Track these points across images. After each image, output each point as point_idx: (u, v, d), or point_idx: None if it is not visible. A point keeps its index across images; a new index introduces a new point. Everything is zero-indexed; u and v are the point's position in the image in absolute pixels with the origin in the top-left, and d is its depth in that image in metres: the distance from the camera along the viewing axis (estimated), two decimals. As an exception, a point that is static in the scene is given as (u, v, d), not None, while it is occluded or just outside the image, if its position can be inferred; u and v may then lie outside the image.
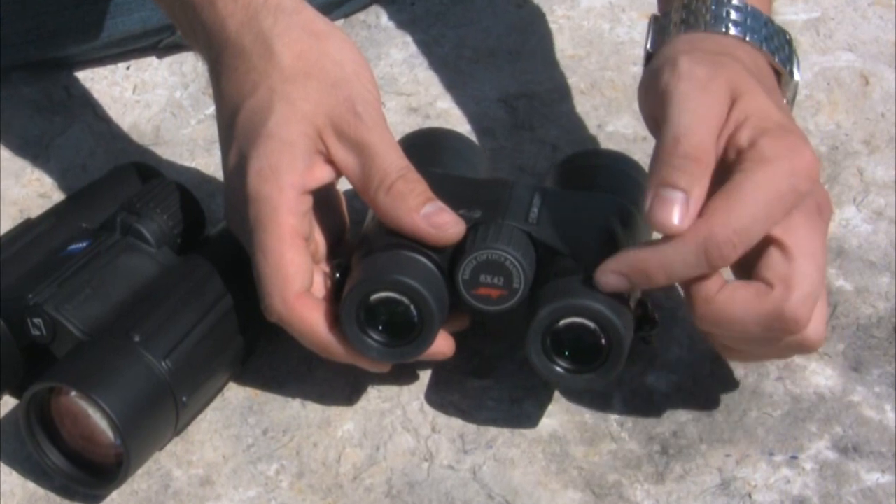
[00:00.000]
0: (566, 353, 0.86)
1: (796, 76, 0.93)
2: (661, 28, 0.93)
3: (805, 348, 0.87)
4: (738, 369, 0.95)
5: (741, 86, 0.86)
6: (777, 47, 0.92)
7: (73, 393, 0.85)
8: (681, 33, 0.91)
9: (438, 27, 1.21)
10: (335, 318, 0.87)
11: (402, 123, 1.11)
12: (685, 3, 0.92)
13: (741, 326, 0.85)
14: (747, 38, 0.90)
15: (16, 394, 0.92)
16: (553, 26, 1.21)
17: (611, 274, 0.85)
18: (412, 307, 0.86)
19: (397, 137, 0.93)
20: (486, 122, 1.13)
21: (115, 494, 0.88)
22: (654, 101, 0.87)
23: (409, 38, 1.20)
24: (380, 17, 1.22)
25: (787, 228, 0.84)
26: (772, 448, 0.90)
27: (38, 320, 0.88)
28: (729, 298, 0.84)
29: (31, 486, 0.88)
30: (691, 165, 0.83)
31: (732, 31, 0.90)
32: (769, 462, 0.90)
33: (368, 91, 0.90)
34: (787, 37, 0.93)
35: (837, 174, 1.08)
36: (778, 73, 0.92)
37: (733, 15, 0.91)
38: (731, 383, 0.94)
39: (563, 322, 0.85)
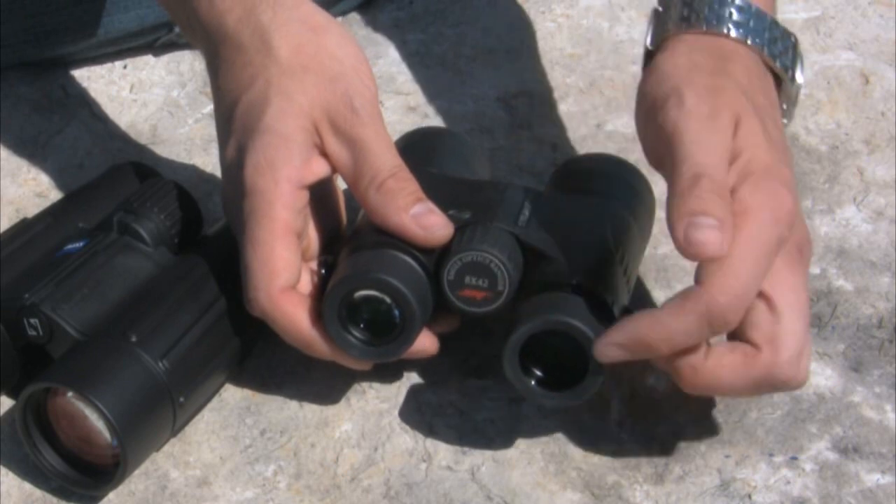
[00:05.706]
0: (543, 370, 0.86)
1: (798, 80, 0.92)
2: (661, 24, 0.92)
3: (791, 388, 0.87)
4: (738, 369, 0.94)
5: (740, 114, 0.85)
6: (781, 51, 0.91)
7: (70, 394, 0.85)
8: (681, 32, 0.90)
9: (437, 26, 1.21)
10: (319, 315, 0.87)
11: (401, 122, 1.11)
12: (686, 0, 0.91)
13: (730, 390, 0.85)
14: (749, 42, 0.90)
15: (12, 394, 0.91)
16: (552, 25, 1.21)
17: (612, 346, 0.83)
18: (394, 306, 0.86)
19: (395, 137, 0.93)
20: (484, 121, 1.13)
21: (112, 495, 0.87)
22: (660, 137, 0.86)
23: (407, 37, 1.20)
24: (378, 16, 1.22)
25: (772, 280, 0.83)
26: (772, 449, 0.90)
27: (34, 320, 0.88)
28: (717, 366, 0.83)
29: (27, 487, 0.88)
30: (719, 200, 0.82)
31: (734, 33, 0.90)
32: (769, 463, 0.89)
33: (366, 87, 0.89)
34: (793, 39, 0.92)
35: (837, 174, 1.08)
36: (778, 77, 0.91)
37: (735, 15, 0.90)
38: (730, 384, 0.94)
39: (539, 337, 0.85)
